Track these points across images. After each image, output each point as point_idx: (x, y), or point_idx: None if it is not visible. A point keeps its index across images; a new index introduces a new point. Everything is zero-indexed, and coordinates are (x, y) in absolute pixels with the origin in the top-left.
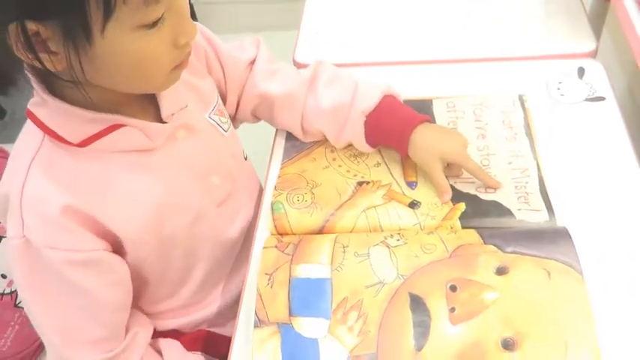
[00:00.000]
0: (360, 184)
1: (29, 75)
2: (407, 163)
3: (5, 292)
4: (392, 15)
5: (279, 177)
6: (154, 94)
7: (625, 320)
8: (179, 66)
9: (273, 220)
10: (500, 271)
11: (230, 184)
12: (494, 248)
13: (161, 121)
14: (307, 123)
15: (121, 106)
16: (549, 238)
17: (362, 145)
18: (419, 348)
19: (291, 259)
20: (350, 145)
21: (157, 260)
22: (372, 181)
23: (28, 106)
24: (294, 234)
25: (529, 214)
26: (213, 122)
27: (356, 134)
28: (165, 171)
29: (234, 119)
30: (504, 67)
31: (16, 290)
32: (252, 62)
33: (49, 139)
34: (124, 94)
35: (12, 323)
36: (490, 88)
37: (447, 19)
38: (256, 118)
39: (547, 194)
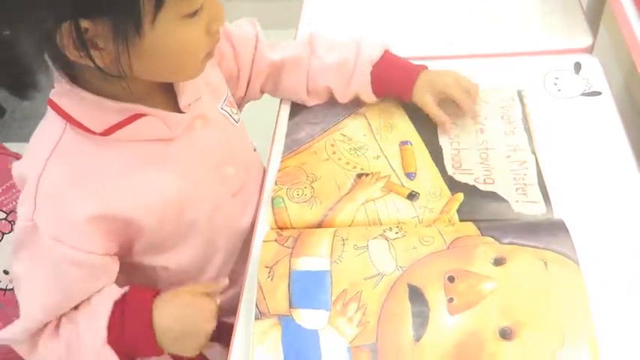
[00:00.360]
0: (359, 176)
1: (54, 67)
2: (405, 153)
3: (8, 287)
4: (390, 12)
5: (279, 170)
6: (171, 85)
7: (621, 310)
8: (208, 54)
9: (274, 214)
10: (498, 261)
11: (244, 175)
12: (492, 240)
13: (179, 111)
14: (312, 82)
15: (143, 96)
16: (546, 229)
17: (368, 95)
18: (417, 338)
19: (291, 253)
20: (350, 137)
21: (177, 249)
22: (372, 173)
23: (50, 96)
24: (293, 228)
25: (527, 206)
26: (225, 113)
27: (363, 85)
28: (184, 160)
29: (242, 101)
30: (502, 63)
31: None
32: (256, 39)
33: (71, 128)
34: (147, 84)
35: (14, 319)
36: (488, 83)
37: (444, 16)
38: (262, 92)
39: (545, 186)
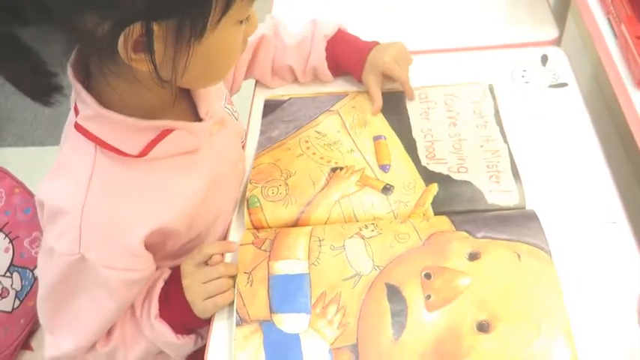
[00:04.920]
0: (333, 170)
1: (75, 87)
2: (379, 147)
3: None
4: (356, 8)
5: (253, 168)
6: (188, 95)
7: (593, 298)
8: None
9: (249, 214)
10: (473, 256)
11: (245, 168)
12: (466, 234)
13: (198, 119)
14: (276, 62)
15: (166, 110)
16: (518, 221)
17: (325, 72)
18: (397, 336)
19: (269, 256)
20: (325, 133)
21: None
22: (346, 166)
23: (78, 121)
24: (270, 227)
25: (500, 195)
26: (228, 111)
27: (320, 61)
28: (209, 166)
29: (231, 92)
30: (469, 57)
31: None
32: None
33: (101, 152)
34: (169, 96)
35: None
36: (456, 77)
37: (411, 11)
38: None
39: (518, 173)
